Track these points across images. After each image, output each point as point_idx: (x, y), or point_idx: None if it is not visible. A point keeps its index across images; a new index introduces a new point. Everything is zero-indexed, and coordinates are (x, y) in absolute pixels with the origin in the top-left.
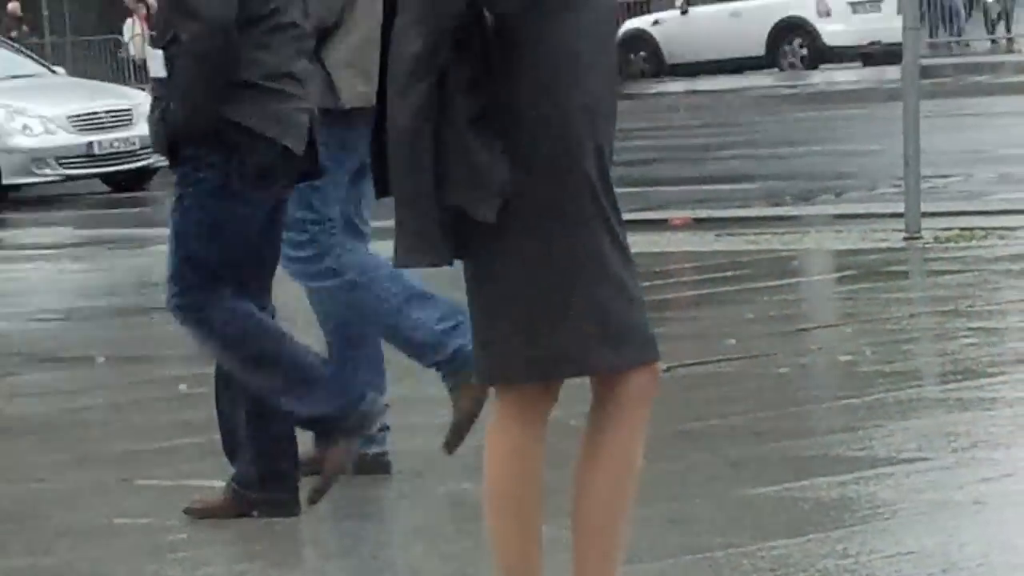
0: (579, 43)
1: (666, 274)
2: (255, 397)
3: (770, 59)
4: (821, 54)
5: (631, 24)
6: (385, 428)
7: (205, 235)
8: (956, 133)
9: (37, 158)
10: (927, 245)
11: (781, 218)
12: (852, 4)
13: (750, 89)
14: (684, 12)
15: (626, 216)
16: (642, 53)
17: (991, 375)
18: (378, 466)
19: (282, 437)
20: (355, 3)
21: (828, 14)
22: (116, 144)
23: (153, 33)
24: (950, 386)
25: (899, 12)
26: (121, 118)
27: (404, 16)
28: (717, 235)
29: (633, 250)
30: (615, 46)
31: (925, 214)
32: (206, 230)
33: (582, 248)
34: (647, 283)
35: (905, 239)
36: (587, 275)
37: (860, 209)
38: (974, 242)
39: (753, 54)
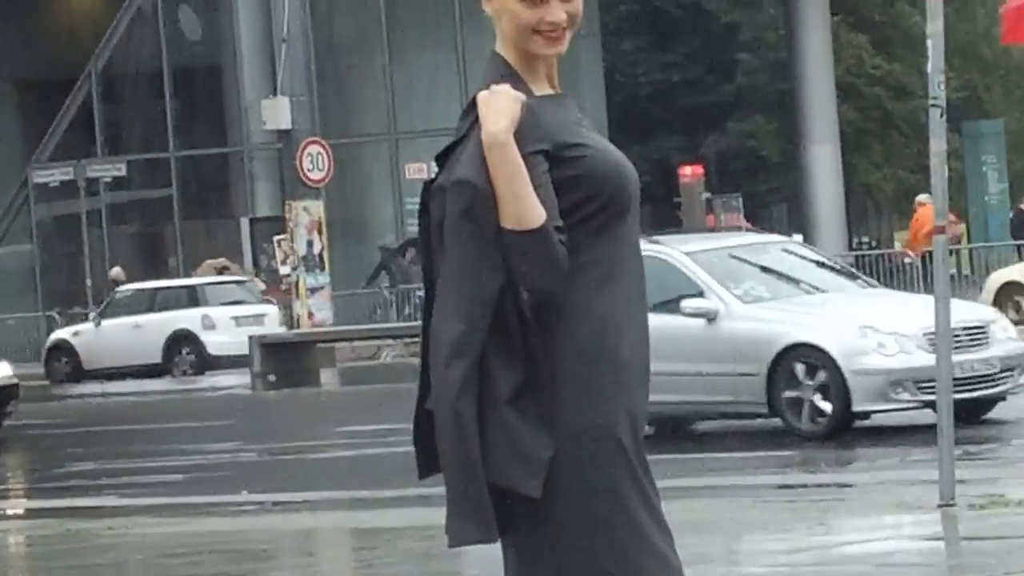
0: (614, 311)
1: (698, 543)
2: None
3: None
4: (207, 362)
5: (55, 335)
6: None
7: None
8: None
9: (894, 381)
10: (961, 512)
11: (817, 485)
12: (236, 318)
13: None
14: (97, 324)
15: (662, 483)
16: (65, 359)
17: None
18: None
19: None
20: None
21: (213, 327)
22: (976, 366)
23: None
24: None
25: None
26: (978, 336)
27: (442, 301)
28: (754, 501)
29: (668, 517)
30: (647, 313)
31: (959, 481)
32: None
33: (621, 520)
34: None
35: (939, 507)
36: (628, 547)
37: (895, 476)
38: (1007, 509)
39: (151, 361)
